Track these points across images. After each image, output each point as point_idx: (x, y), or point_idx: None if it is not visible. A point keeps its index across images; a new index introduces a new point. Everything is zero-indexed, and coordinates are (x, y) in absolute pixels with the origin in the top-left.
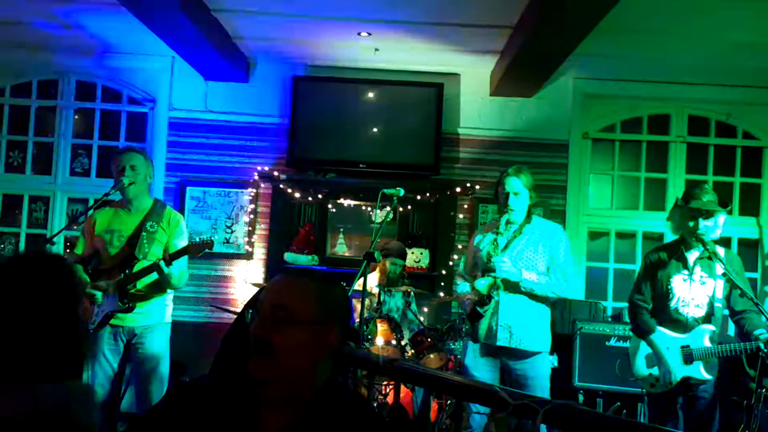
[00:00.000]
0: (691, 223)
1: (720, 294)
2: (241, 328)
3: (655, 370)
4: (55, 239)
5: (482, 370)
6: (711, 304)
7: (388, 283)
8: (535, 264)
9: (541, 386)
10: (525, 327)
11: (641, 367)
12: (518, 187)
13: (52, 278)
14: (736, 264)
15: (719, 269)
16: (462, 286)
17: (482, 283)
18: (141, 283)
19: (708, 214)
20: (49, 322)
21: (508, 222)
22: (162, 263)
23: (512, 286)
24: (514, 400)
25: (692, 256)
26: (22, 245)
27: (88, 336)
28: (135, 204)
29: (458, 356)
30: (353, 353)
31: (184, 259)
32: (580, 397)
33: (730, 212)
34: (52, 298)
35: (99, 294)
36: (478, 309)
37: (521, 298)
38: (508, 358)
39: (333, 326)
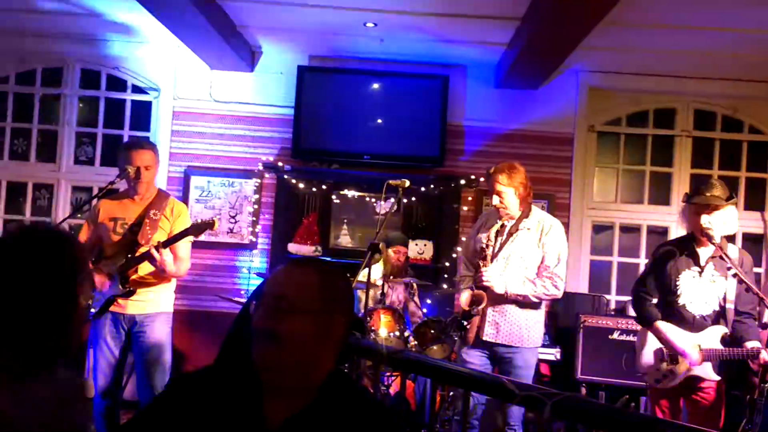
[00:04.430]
0: (696, 218)
1: (732, 295)
2: (246, 319)
3: (662, 366)
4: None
5: (474, 360)
6: (721, 305)
7: (392, 273)
8: (527, 262)
9: (525, 377)
10: (511, 324)
11: (648, 361)
12: (500, 187)
13: (51, 256)
14: (747, 263)
15: (729, 267)
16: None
17: (464, 298)
18: (143, 270)
19: (711, 209)
20: (45, 305)
21: (501, 221)
22: (153, 250)
23: (498, 297)
24: (520, 391)
25: (704, 253)
26: None
27: (84, 323)
28: (140, 194)
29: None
30: (358, 343)
31: (187, 247)
32: (583, 391)
33: (736, 204)
34: (50, 278)
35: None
36: (463, 322)
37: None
38: (497, 348)
39: (337, 315)
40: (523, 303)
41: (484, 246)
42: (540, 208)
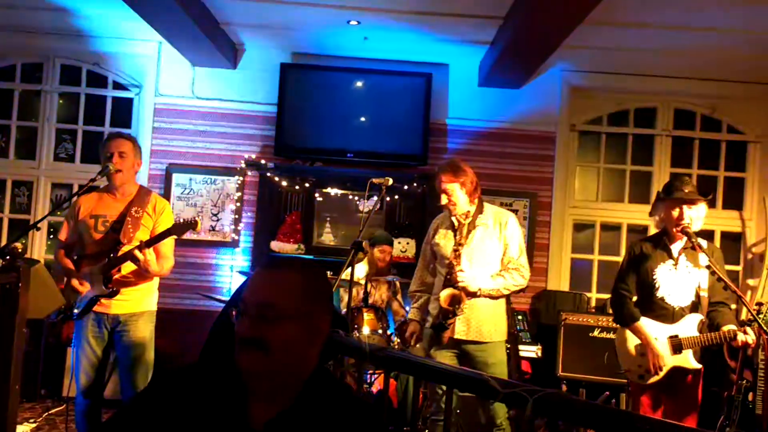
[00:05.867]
0: (676, 213)
1: (705, 284)
2: (225, 325)
3: (644, 361)
4: (39, 225)
5: (443, 359)
6: (697, 294)
7: (377, 272)
8: (490, 257)
9: (500, 372)
10: (480, 319)
11: (629, 358)
12: (445, 185)
13: None
14: (717, 255)
15: (703, 260)
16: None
17: (444, 296)
18: (126, 269)
19: (691, 203)
20: None
21: (459, 221)
22: (136, 250)
23: (471, 294)
24: (503, 388)
25: (676, 247)
26: (4, 230)
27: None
28: (121, 190)
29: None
30: (342, 341)
31: (170, 245)
32: (564, 388)
33: (712, 205)
34: None
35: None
36: (443, 322)
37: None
38: (467, 345)
39: (322, 313)
40: (493, 297)
41: (456, 246)
42: (522, 206)
